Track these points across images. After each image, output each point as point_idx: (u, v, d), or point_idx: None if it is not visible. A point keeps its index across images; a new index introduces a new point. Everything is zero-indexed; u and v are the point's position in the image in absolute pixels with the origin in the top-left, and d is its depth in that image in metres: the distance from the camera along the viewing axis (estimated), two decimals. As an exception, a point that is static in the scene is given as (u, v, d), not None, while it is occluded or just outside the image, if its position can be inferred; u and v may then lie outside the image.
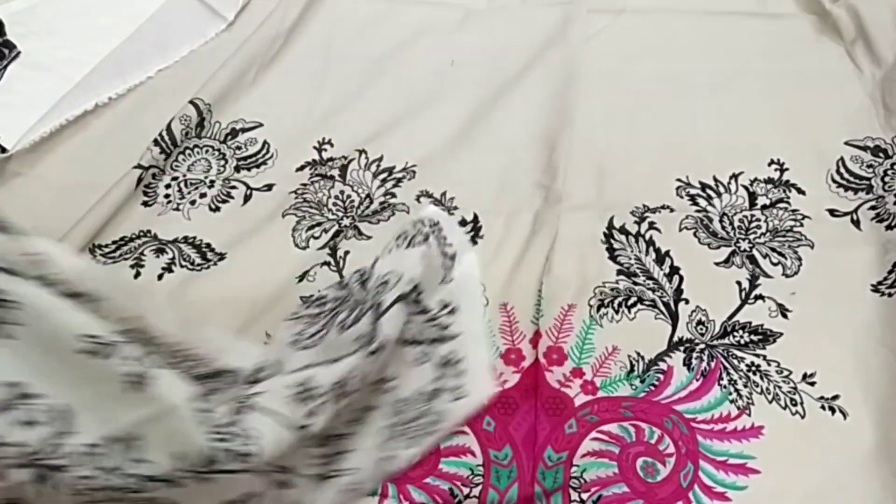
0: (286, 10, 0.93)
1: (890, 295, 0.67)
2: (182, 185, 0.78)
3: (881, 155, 0.77)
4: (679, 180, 0.77)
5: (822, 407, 0.62)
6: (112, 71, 0.87)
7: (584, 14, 0.92)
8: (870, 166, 0.76)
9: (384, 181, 0.78)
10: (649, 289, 0.69)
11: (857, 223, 0.73)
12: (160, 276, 0.71)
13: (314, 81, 0.87)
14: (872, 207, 0.73)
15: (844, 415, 0.61)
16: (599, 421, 0.62)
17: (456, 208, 0.76)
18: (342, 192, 0.77)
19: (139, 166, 0.76)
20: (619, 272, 0.70)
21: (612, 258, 0.72)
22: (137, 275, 0.71)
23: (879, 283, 0.68)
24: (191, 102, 0.81)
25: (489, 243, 0.73)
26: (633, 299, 0.69)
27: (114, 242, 0.73)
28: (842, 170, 0.77)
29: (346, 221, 0.75)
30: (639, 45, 0.89)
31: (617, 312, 0.68)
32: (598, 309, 0.68)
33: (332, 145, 0.81)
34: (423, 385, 0.60)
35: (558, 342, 0.66)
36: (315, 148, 0.81)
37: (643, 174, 0.78)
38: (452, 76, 0.87)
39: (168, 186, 0.78)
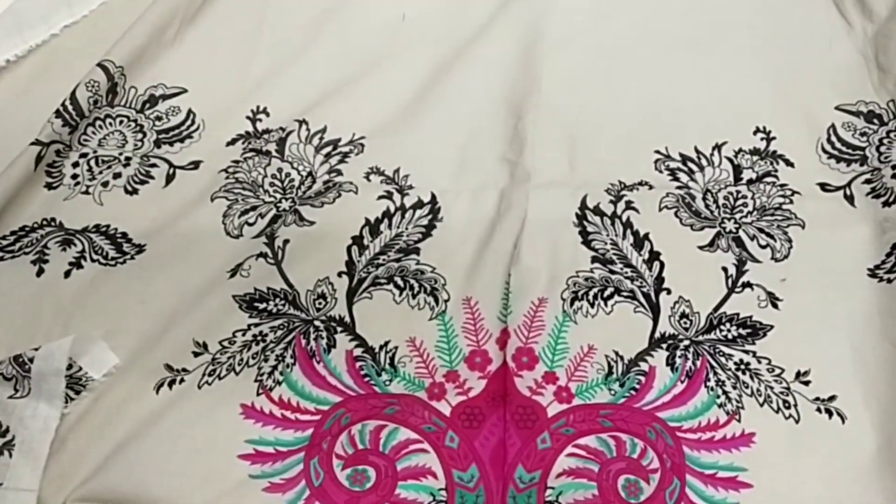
0: (213, -45, 0.81)
1: (889, 281, 0.61)
2: (92, 163, 0.68)
3: (875, 121, 0.70)
4: (658, 152, 0.70)
5: (819, 409, 0.56)
6: (9, 27, 0.75)
7: (550, -39, 0.83)
8: (863, 134, 0.70)
9: (328, 156, 0.69)
10: (627, 278, 0.62)
11: (850, 199, 0.66)
12: (67, 273, 0.62)
13: (246, 39, 0.76)
14: (867, 181, 0.67)
15: (843, 418, 0.56)
16: (576, 433, 0.55)
17: (411, 187, 0.67)
18: (280, 170, 0.68)
19: (37, 142, 0.65)
20: (594, 259, 0.63)
21: (586, 243, 0.64)
22: (41, 272, 0.62)
23: (877, 266, 0.62)
24: (99, 65, 0.69)
25: (449, 228, 0.65)
26: (609, 290, 0.62)
27: (12, 233, 0.63)
28: (833, 138, 0.70)
29: (285, 204, 0.66)
30: (610, -3, 0.80)
31: (592, 306, 0.61)
32: (572, 302, 0.61)
33: (267, 115, 0.72)
34: None
35: (528, 342, 0.59)
36: (248, 118, 0.71)
37: (618, 145, 0.70)
38: (404, 33, 0.77)
39: (76, 165, 0.67)
